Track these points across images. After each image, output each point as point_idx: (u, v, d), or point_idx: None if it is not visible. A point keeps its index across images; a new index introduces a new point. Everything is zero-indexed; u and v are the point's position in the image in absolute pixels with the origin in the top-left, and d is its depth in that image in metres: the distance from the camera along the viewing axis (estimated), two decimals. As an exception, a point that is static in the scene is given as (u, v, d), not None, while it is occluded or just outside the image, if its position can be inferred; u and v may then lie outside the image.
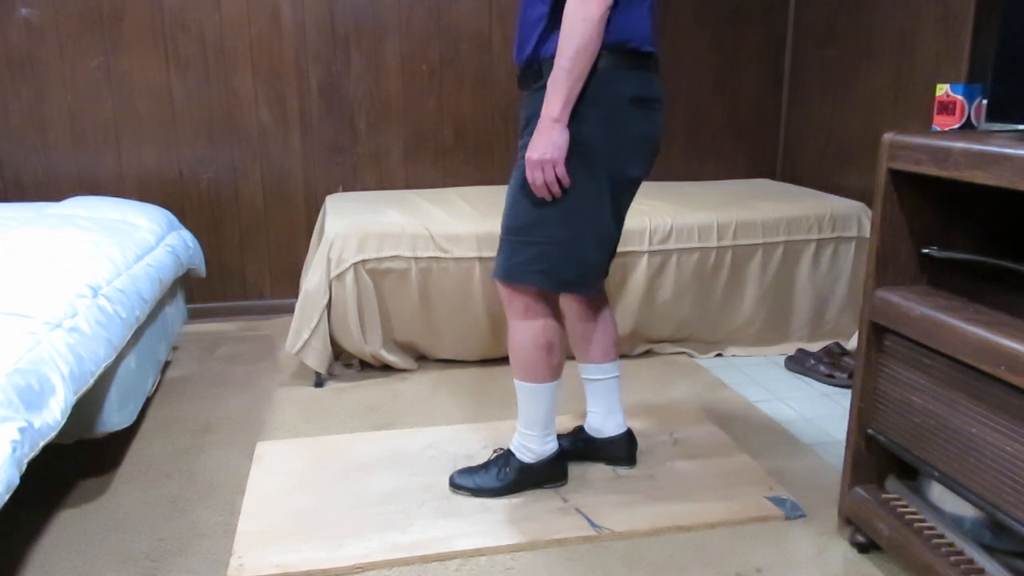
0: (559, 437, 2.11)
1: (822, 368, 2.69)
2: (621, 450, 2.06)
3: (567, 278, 1.77)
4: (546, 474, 1.95)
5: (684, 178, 3.64)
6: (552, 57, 1.64)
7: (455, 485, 1.95)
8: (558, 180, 1.66)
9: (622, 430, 2.06)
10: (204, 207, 3.27)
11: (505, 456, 1.95)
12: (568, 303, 1.98)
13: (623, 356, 2.83)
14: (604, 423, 2.05)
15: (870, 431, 1.67)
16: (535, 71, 1.73)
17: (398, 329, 2.70)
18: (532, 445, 1.92)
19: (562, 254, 1.74)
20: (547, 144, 1.63)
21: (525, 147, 1.74)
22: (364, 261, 2.58)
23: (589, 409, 2.07)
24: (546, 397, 1.88)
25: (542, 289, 1.79)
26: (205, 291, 3.33)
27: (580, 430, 2.11)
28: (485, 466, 1.96)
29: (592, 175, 1.70)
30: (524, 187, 1.72)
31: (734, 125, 3.67)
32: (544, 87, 1.67)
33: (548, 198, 1.69)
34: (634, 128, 1.72)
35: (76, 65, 3.05)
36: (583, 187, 1.70)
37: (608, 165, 1.71)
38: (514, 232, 1.77)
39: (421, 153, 3.40)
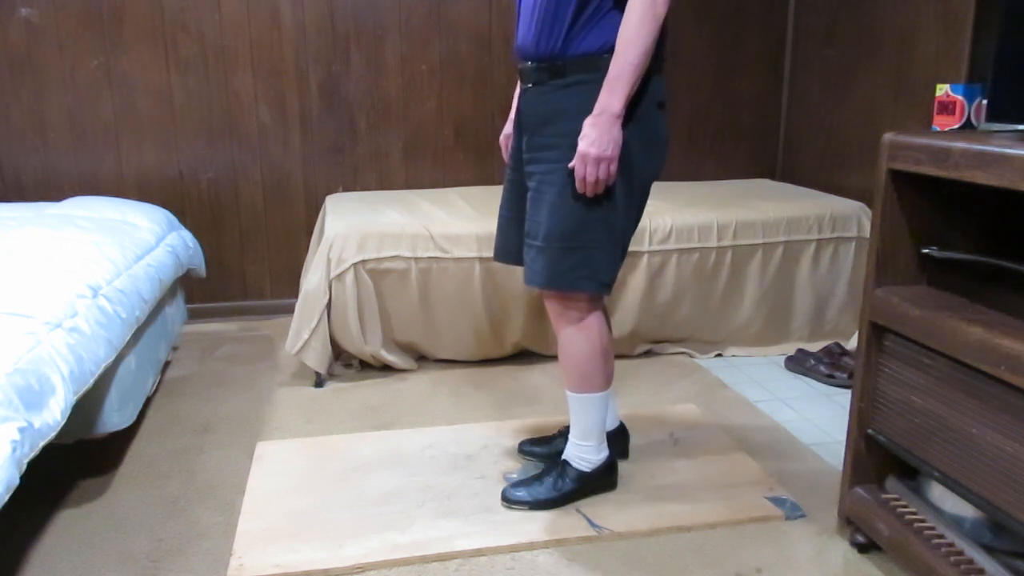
0: (553, 439, 2.11)
1: (822, 368, 2.69)
2: (615, 444, 2.06)
3: (606, 280, 1.75)
4: (601, 481, 1.93)
5: (684, 178, 3.64)
6: (586, 55, 1.64)
7: (511, 501, 1.88)
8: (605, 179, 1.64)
9: (616, 424, 2.07)
10: (204, 207, 3.27)
11: (561, 466, 1.91)
12: None
13: (624, 356, 2.83)
14: None
15: (870, 431, 1.67)
16: (557, 68, 1.69)
17: (398, 329, 2.70)
18: (589, 455, 1.90)
19: (603, 257, 1.72)
20: (607, 140, 1.59)
21: (544, 148, 1.72)
22: (364, 261, 2.58)
23: None
24: (602, 406, 1.86)
25: (588, 293, 1.76)
26: (205, 291, 3.33)
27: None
28: (539, 478, 1.91)
29: (629, 178, 1.70)
30: (564, 191, 1.68)
31: (734, 125, 3.66)
32: (571, 85, 1.67)
33: (591, 195, 1.66)
34: (661, 131, 1.74)
35: (76, 65, 3.05)
36: (622, 189, 1.70)
37: (641, 168, 1.72)
38: (557, 238, 1.71)
39: (421, 153, 3.40)
